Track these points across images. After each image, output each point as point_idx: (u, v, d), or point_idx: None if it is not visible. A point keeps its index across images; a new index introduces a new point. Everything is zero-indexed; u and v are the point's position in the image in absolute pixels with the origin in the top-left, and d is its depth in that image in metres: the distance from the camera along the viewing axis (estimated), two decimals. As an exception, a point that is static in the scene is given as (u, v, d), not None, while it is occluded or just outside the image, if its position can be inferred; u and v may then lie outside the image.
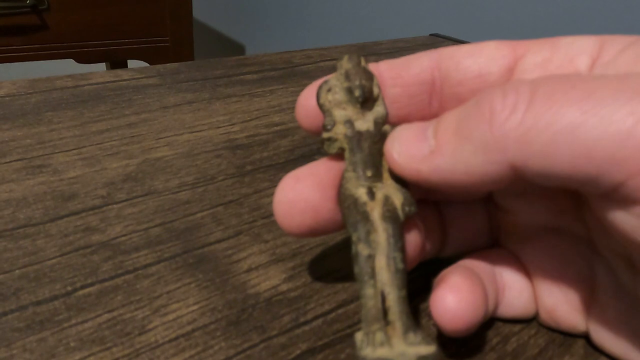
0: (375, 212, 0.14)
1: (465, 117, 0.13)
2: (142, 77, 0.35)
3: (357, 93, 0.15)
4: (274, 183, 0.24)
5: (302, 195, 0.15)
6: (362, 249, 0.14)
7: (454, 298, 0.14)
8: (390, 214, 0.14)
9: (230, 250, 0.19)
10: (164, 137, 0.27)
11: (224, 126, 0.29)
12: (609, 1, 0.53)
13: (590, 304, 0.15)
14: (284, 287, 0.18)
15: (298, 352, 0.15)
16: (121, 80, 0.35)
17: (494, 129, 0.12)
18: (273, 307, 0.17)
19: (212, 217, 0.21)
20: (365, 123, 0.15)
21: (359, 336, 0.13)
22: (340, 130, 0.15)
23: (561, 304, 0.16)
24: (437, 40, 0.52)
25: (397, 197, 0.14)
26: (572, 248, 0.16)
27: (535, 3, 0.59)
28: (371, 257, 0.14)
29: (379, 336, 0.13)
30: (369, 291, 0.13)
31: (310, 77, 0.38)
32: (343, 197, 0.15)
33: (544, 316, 0.17)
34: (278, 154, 0.27)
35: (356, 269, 0.14)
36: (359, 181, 0.15)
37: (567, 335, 0.16)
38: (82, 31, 0.82)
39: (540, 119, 0.12)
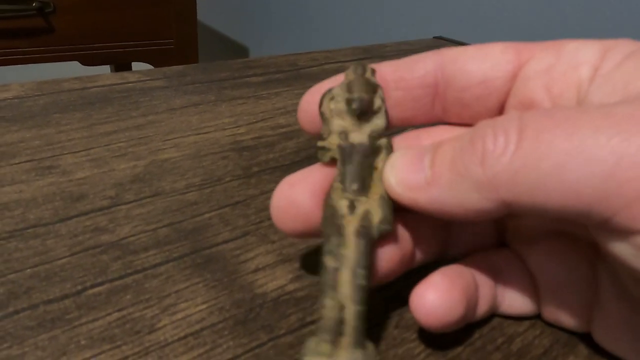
0: (351, 226, 0.14)
1: (460, 154, 0.13)
2: (148, 80, 0.36)
3: (354, 105, 0.15)
4: (280, 184, 0.24)
5: (294, 201, 0.15)
6: (329, 261, 0.14)
7: (431, 296, 0.14)
8: (364, 230, 0.14)
9: (237, 251, 0.19)
10: (171, 139, 0.27)
11: (230, 128, 0.30)
12: (613, 3, 0.53)
13: (593, 306, 0.16)
14: (290, 287, 0.18)
15: (305, 351, 0.15)
16: (128, 83, 0.35)
17: (486, 169, 0.13)
18: (280, 306, 0.17)
19: (220, 218, 0.21)
20: (360, 135, 0.15)
21: (311, 342, 0.13)
22: (334, 141, 0.16)
23: (564, 305, 0.16)
24: (441, 43, 0.52)
25: (377, 214, 0.15)
26: (576, 251, 0.16)
27: (539, 5, 0.59)
28: (336, 270, 0.14)
29: (325, 347, 0.13)
30: (328, 302, 0.14)
31: (316, 79, 0.38)
32: (325, 207, 0.15)
33: (547, 316, 0.17)
34: (284, 155, 0.27)
35: (322, 279, 0.14)
36: (344, 193, 0.15)
37: (572, 336, 0.17)
38: (88, 34, 0.83)
39: (528, 160, 0.12)
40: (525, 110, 0.16)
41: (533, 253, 0.17)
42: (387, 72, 0.17)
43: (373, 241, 0.14)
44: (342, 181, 0.15)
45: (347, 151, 0.15)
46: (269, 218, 0.21)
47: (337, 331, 0.13)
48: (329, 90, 0.16)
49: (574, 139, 0.12)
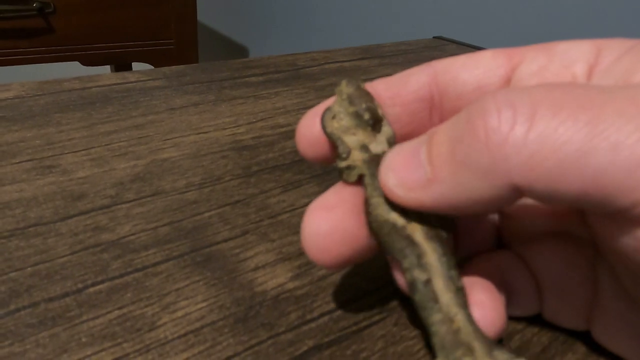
0: (418, 233, 0.13)
1: (459, 139, 0.12)
2: (148, 80, 0.36)
3: (366, 116, 0.15)
4: (280, 183, 0.24)
5: (339, 224, 0.14)
6: (418, 275, 0.13)
7: (480, 315, 0.14)
8: (434, 233, 0.13)
9: (237, 249, 0.19)
10: (171, 138, 0.28)
11: (229, 127, 0.30)
12: (612, 2, 0.53)
13: (593, 304, 0.16)
14: (290, 285, 0.18)
15: (305, 348, 0.16)
16: (128, 83, 0.35)
17: (493, 151, 0.11)
18: (280, 304, 0.17)
19: (219, 217, 0.21)
20: (379, 145, 0.15)
21: None
22: (356, 157, 0.15)
23: (565, 304, 0.16)
24: (441, 42, 0.52)
25: (433, 215, 0.14)
26: (575, 250, 0.16)
27: (538, 4, 0.59)
28: (429, 281, 0.13)
29: None
30: (437, 317, 0.13)
31: (315, 79, 0.38)
32: (378, 225, 0.14)
33: (547, 315, 0.17)
34: (284, 155, 0.27)
35: (417, 297, 0.13)
36: (388, 205, 0.14)
37: (570, 333, 0.17)
38: (88, 34, 0.83)
39: (546, 142, 0.11)
40: None
41: (534, 253, 0.17)
42: (380, 89, 0.16)
43: (446, 240, 0.14)
44: (381, 195, 0.14)
45: (374, 163, 0.14)
46: (269, 217, 0.22)
47: (462, 342, 0.12)
48: (328, 109, 0.15)
49: (599, 123, 0.11)
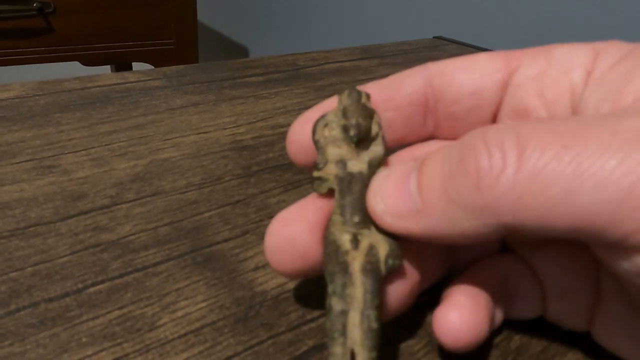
0: (357, 262, 0.13)
1: (450, 177, 0.12)
2: (148, 80, 0.36)
3: (351, 132, 0.14)
4: (280, 183, 0.24)
5: (291, 240, 0.14)
6: (335, 303, 0.13)
7: (456, 316, 0.14)
8: (371, 267, 0.13)
9: (237, 249, 0.19)
10: (171, 138, 0.28)
11: (229, 127, 0.30)
12: (612, 3, 0.53)
13: (594, 306, 0.16)
14: (290, 285, 0.18)
15: (305, 348, 0.16)
16: (128, 83, 0.35)
17: (484, 193, 0.12)
18: (280, 304, 0.17)
19: (220, 217, 0.21)
20: (358, 164, 0.14)
21: None
22: (331, 171, 0.15)
23: (567, 306, 0.16)
24: (441, 42, 0.52)
25: (383, 248, 0.14)
26: (579, 254, 0.16)
27: (538, 4, 0.59)
28: (344, 313, 0.13)
29: None
30: (337, 349, 0.12)
31: (315, 79, 0.38)
32: (326, 242, 0.14)
33: (550, 317, 0.17)
34: (284, 155, 0.27)
35: (327, 324, 0.13)
36: (345, 226, 0.14)
37: (570, 333, 0.17)
38: (88, 34, 0.83)
39: (533, 184, 0.11)
40: (519, 118, 0.16)
41: (539, 257, 0.16)
42: (374, 93, 0.16)
43: (382, 278, 0.13)
44: (342, 214, 0.14)
45: (345, 181, 0.14)
46: (269, 217, 0.22)
47: None
48: (323, 117, 0.15)
49: (583, 160, 0.11)
